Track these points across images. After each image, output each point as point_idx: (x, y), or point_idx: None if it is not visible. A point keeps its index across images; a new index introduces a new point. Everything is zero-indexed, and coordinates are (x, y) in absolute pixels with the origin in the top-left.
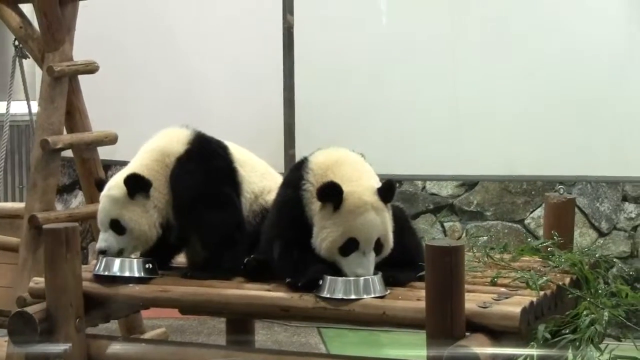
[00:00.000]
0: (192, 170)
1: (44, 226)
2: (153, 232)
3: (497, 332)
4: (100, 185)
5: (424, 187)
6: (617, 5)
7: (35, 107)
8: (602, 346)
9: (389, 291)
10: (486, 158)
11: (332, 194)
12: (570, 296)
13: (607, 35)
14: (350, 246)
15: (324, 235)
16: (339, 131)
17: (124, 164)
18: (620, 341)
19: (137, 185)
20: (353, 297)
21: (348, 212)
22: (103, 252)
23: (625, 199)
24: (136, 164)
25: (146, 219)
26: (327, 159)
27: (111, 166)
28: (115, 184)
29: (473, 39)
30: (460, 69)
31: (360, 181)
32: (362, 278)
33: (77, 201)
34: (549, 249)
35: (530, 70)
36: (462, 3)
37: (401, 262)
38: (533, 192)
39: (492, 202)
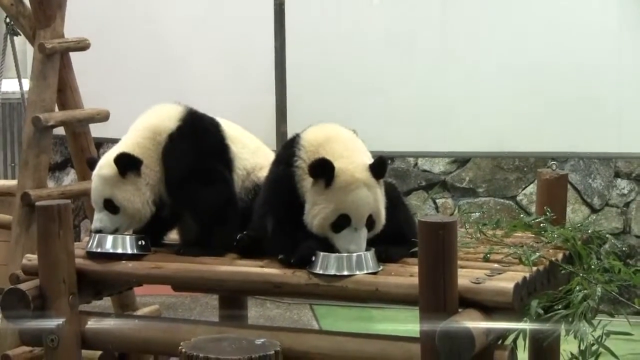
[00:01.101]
0: (184, 147)
1: (37, 203)
2: (147, 210)
3: (490, 308)
4: (91, 164)
5: (416, 164)
6: None
7: (26, 84)
8: (594, 321)
9: (381, 267)
10: (478, 134)
11: (323, 170)
12: (563, 272)
13: (599, 10)
14: (342, 222)
15: (316, 212)
16: (331, 108)
17: (115, 141)
18: (613, 317)
19: (127, 164)
20: (346, 273)
21: (340, 188)
22: (99, 232)
23: (617, 175)
24: (127, 142)
25: (139, 197)
26: (319, 136)
27: (103, 143)
28: (106, 163)
29: (463, 18)
30: (451, 46)
31: (352, 158)
32: (354, 254)
33: (69, 179)
34: (541, 225)
35: (523, 46)
36: None
37: (394, 239)
38: (525, 169)
39: (484, 178)
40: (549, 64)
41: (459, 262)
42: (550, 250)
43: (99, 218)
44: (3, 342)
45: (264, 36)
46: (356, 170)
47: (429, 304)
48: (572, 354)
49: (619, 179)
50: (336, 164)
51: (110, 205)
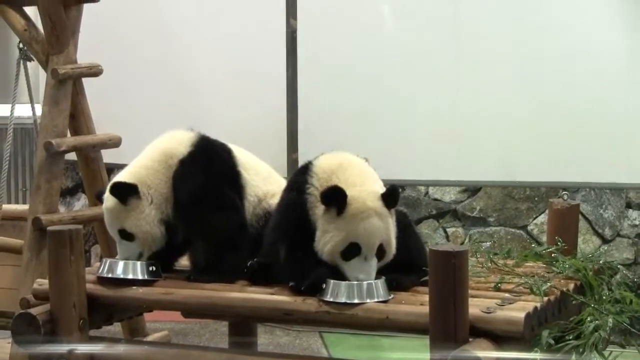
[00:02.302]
0: (195, 173)
1: (48, 228)
2: (156, 230)
3: (500, 338)
4: (100, 197)
5: (426, 193)
6: (618, 12)
7: (39, 109)
8: (605, 352)
9: (392, 296)
10: (489, 164)
11: (336, 198)
12: (574, 302)
13: (609, 42)
14: (352, 251)
15: (327, 239)
16: (342, 135)
17: None
18: (624, 348)
19: (122, 192)
20: (356, 301)
21: (351, 216)
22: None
23: (629, 205)
24: (134, 165)
25: (144, 219)
26: (332, 163)
27: (114, 169)
28: (107, 195)
29: (475, 45)
30: (464, 74)
31: (364, 186)
32: (365, 282)
33: (80, 204)
34: (552, 255)
35: (534, 76)
36: (465, 10)
37: (404, 267)
38: (536, 198)
39: (495, 207)
40: (560, 94)
41: (470, 292)
42: (562, 281)
43: (121, 248)
44: None
45: (275, 63)
46: (368, 198)
47: (440, 333)
48: None
49: (631, 210)
50: (348, 192)
51: (125, 235)
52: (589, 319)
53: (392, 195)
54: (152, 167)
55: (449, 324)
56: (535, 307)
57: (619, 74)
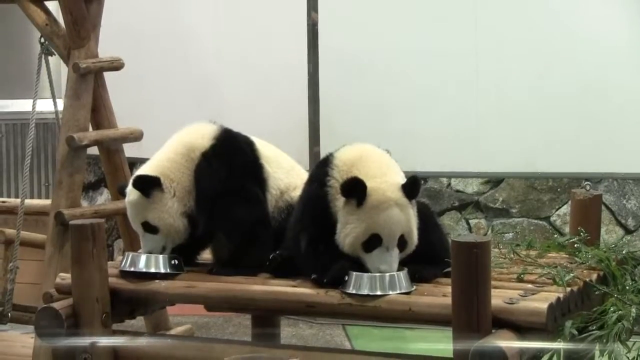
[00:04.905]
0: (218, 166)
1: (70, 222)
2: (179, 223)
3: (523, 328)
4: (122, 190)
5: (449, 184)
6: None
7: (61, 104)
8: (629, 343)
9: (414, 287)
10: (511, 155)
11: (355, 189)
12: (597, 292)
13: (631, 32)
14: (373, 242)
15: (348, 231)
16: (364, 128)
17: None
18: None
19: (145, 185)
20: (379, 293)
21: (371, 208)
22: (150, 253)
23: None
24: (157, 158)
25: (167, 212)
26: (352, 155)
27: (137, 163)
28: (130, 189)
29: (496, 37)
30: (485, 66)
31: (385, 177)
32: (387, 274)
33: (102, 198)
34: (575, 246)
35: (557, 67)
36: (486, 3)
37: (427, 258)
38: (559, 189)
39: (517, 199)
40: (582, 84)
41: (493, 283)
42: (584, 271)
43: (145, 242)
44: None
45: (297, 56)
46: (388, 189)
47: (462, 324)
48: None
49: None
50: (368, 184)
51: (148, 227)
52: (612, 309)
53: (412, 185)
54: (174, 160)
55: (472, 315)
56: (558, 298)
57: None
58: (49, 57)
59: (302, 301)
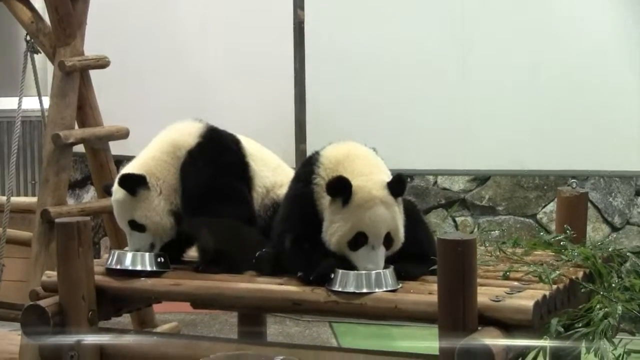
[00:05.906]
0: (203, 164)
1: (56, 220)
2: (166, 221)
3: (509, 326)
4: (108, 190)
5: (435, 182)
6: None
7: (46, 102)
8: (615, 340)
9: (400, 285)
10: (498, 153)
11: (340, 188)
12: (583, 290)
13: (619, 31)
14: (359, 240)
15: (333, 230)
16: (350, 126)
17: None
18: (634, 335)
19: (131, 183)
20: (365, 290)
21: (357, 206)
22: (138, 251)
23: (638, 193)
24: (142, 156)
25: (154, 210)
26: (338, 153)
27: (123, 161)
28: (116, 188)
29: (484, 34)
30: (472, 63)
31: (371, 175)
32: (373, 272)
33: (88, 196)
34: (561, 243)
35: (543, 65)
36: (472, 3)
37: (413, 256)
38: (545, 187)
39: (504, 196)
40: (568, 82)
41: (479, 280)
42: (571, 269)
43: (132, 240)
44: (23, 358)
45: (283, 54)
46: (373, 188)
47: (448, 322)
48: None
49: None
50: (354, 182)
51: (135, 226)
52: (598, 307)
53: (398, 183)
54: (160, 158)
55: (458, 313)
56: (544, 296)
57: (630, 64)
58: (35, 55)
59: (289, 299)
